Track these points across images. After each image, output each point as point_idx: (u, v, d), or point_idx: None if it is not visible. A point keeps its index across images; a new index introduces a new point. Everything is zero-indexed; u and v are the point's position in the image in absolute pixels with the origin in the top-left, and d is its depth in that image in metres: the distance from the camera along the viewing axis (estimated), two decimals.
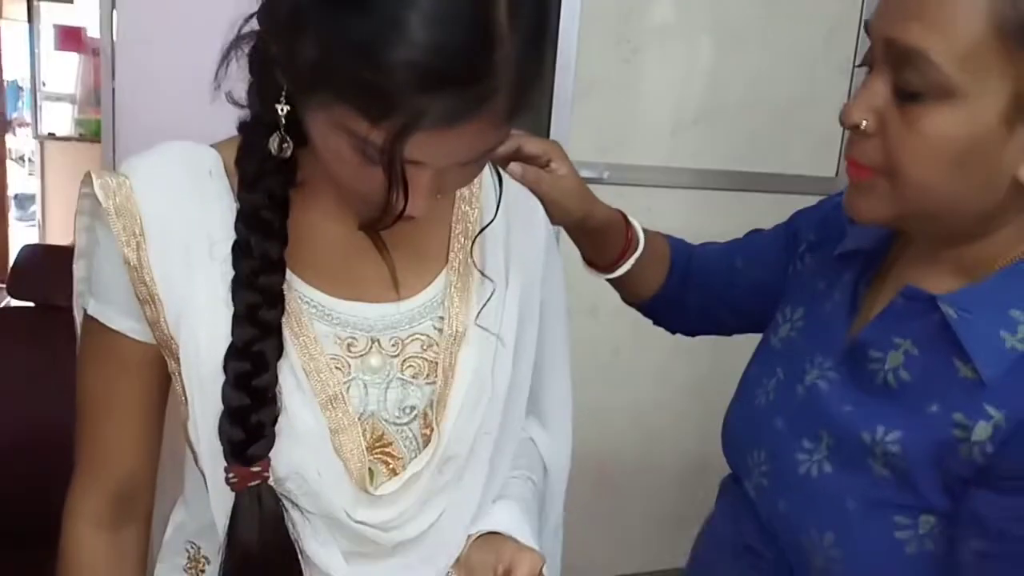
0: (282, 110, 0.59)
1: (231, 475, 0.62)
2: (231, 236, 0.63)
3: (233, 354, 0.61)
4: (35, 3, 4.62)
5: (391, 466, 0.68)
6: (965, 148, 0.57)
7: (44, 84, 4.86)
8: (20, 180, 5.44)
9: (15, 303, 1.55)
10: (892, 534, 0.63)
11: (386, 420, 0.68)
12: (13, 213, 5.11)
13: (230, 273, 0.62)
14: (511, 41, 0.51)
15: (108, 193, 0.62)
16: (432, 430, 0.68)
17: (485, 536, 0.72)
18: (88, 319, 0.67)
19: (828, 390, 0.71)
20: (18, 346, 1.43)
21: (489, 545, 0.71)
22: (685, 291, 1.00)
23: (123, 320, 0.65)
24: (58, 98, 4.97)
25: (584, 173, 1.94)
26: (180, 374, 0.64)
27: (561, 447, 0.86)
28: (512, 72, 0.51)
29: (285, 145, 0.61)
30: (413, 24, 0.48)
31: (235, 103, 0.64)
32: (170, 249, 0.63)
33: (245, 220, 0.62)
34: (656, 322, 1.04)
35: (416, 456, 0.68)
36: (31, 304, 1.49)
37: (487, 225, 0.72)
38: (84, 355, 0.68)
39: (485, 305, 0.71)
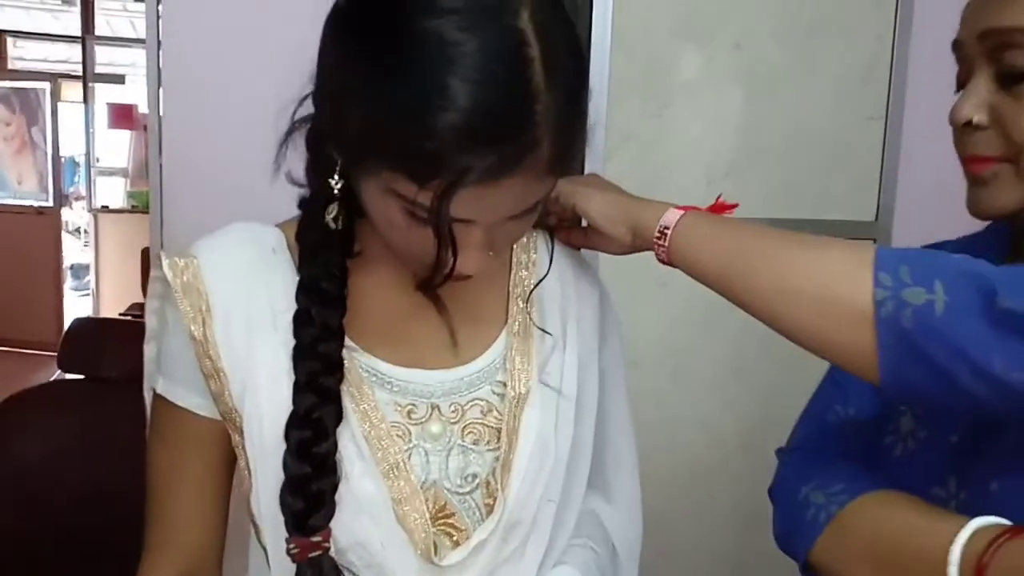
0: (336, 183, 0.61)
1: (292, 546, 0.61)
2: (293, 307, 0.65)
3: (294, 423, 0.62)
4: (90, 84, 4.86)
5: (455, 538, 0.66)
6: None
7: (98, 160, 5.08)
8: (76, 251, 5.66)
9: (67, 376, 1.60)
10: None
11: (448, 490, 0.67)
12: (69, 283, 5.31)
13: (292, 343, 0.64)
14: (549, 96, 0.53)
15: (176, 272, 0.65)
16: (495, 499, 0.67)
17: None
18: (157, 398, 0.69)
19: None
20: (68, 418, 1.46)
21: None
22: None
23: (190, 397, 0.67)
24: (111, 172, 5.20)
25: None
26: (243, 447, 0.65)
27: (629, 520, 0.82)
28: (552, 125, 0.53)
29: (340, 217, 0.63)
30: (453, 87, 0.50)
31: (294, 182, 0.67)
32: (234, 323, 0.65)
33: (305, 291, 0.64)
34: None
35: (479, 526, 0.67)
36: (80, 376, 1.54)
37: (543, 279, 0.73)
38: (153, 434, 0.70)
39: (548, 362, 0.71)
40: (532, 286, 0.74)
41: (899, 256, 0.56)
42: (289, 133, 0.63)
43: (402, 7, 0.53)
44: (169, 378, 0.68)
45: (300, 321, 0.64)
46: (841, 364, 0.59)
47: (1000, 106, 0.62)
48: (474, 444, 0.68)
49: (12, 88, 4.91)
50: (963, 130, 0.64)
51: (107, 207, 5.05)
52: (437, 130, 0.51)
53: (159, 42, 1.63)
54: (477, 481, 0.67)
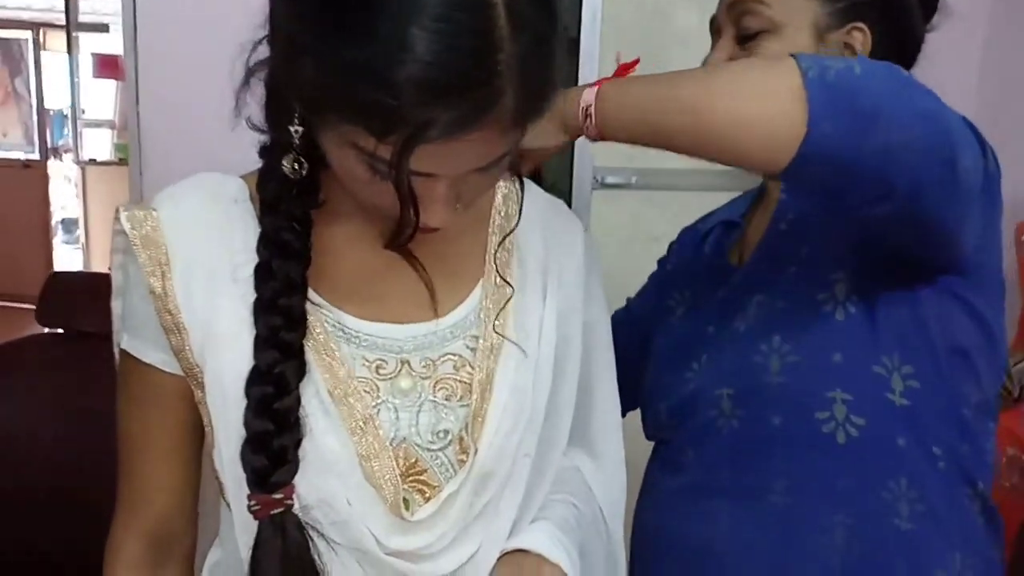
0: (295, 132, 0.58)
1: (253, 503, 0.60)
2: (254, 260, 0.63)
3: (255, 378, 0.61)
4: (74, 34, 4.74)
5: (427, 495, 0.65)
6: None
7: (84, 111, 4.99)
8: (69, 204, 5.59)
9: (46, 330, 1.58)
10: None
11: (419, 446, 0.65)
12: (60, 237, 5.26)
13: (253, 297, 0.62)
14: (513, 45, 0.50)
15: (135, 225, 0.63)
16: (468, 456, 0.65)
17: (511, 553, 0.68)
18: (123, 354, 0.67)
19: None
20: (47, 373, 1.45)
21: (514, 561, 0.67)
22: None
23: (154, 353, 0.65)
24: (98, 124, 5.11)
25: (611, 179, 1.94)
26: (205, 402, 0.64)
27: (612, 477, 0.80)
28: (516, 75, 0.51)
29: (299, 166, 0.61)
30: (410, 39, 0.48)
31: (255, 128, 0.64)
32: (194, 276, 0.63)
33: (266, 242, 0.62)
34: None
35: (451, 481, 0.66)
36: (59, 331, 1.51)
37: (510, 232, 0.71)
38: (121, 392, 0.68)
39: (524, 314, 0.69)
40: (512, 239, 0.71)
41: (811, 54, 0.67)
42: (247, 78, 0.60)
43: None
44: (133, 334, 0.66)
45: (261, 274, 0.62)
46: (766, 148, 0.64)
47: (736, 57, 0.81)
48: (446, 400, 0.66)
49: None
50: None
51: (94, 160, 4.99)
52: (395, 84, 0.48)
53: None
54: (449, 437, 0.66)
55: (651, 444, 0.99)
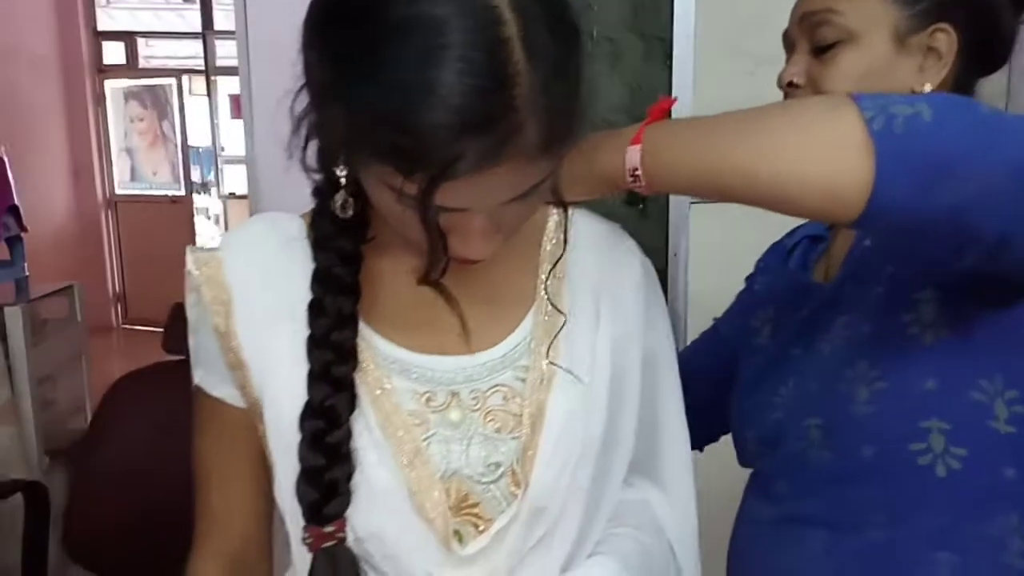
0: (341, 173, 0.60)
1: (306, 536, 0.62)
2: (309, 297, 0.64)
3: (308, 413, 0.62)
4: (212, 77, 5.13)
5: (480, 528, 0.65)
6: (868, 70, 0.77)
7: (223, 149, 5.38)
8: (213, 235, 6.03)
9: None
10: None
11: (471, 478, 0.65)
12: None
13: (307, 333, 0.64)
14: (531, 76, 0.50)
15: (200, 266, 0.67)
16: (520, 489, 0.65)
17: None
18: (196, 389, 0.70)
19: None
20: (169, 398, 1.55)
21: None
22: (688, 388, 0.96)
23: (222, 387, 0.68)
24: (237, 160, 5.49)
25: None
26: (266, 437, 0.66)
27: (684, 513, 0.77)
28: (537, 106, 0.50)
29: (347, 205, 0.62)
30: (428, 81, 0.48)
31: (309, 170, 0.65)
32: (255, 315, 0.66)
33: (319, 279, 0.64)
34: None
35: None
36: (182, 358, 1.62)
37: (559, 259, 0.70)
38: (196, 424, 0.72)
39: (576, 343, 0.68)
40: (563, 265, 0.70)
41: (874, 94, 0.61)
42: (296, 126, 0.61)
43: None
44: (204, 369, 0.69)
45: (314, 311, 0.64)
46: (832, 207, 0.59)
47: (812, 70, 0.79)
48: (496, 432, 0.65)
49: (144, 86, 5.25)
50: (787, 90, 0.81)
51: (234, 193, 5.36)
52: (416, 126, 0.48)
53: (247, 33, 1.68)
54: (501, 470, 0.65)
55: (745, 471, 0.95)
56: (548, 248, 0.72)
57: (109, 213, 4.01)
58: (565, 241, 0.69)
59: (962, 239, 0.59)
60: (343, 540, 0.62)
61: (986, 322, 0.72)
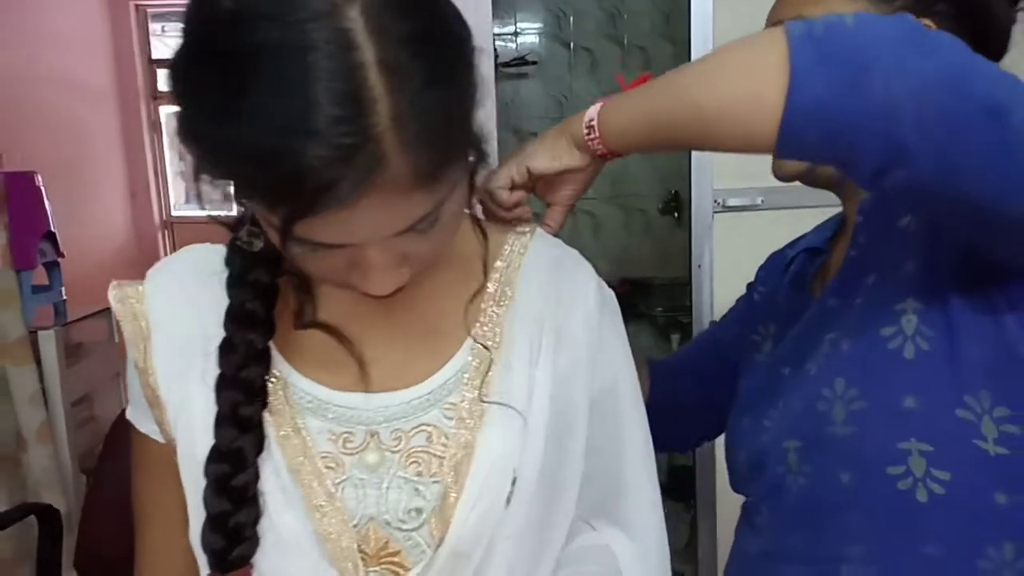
0: (244, 205, 0.57)
1: None
2: (222, 334, 0.63)
3: (214, 456, 0.60)
4: None
5: None
6: None
7: None
8: None
9: None
10: None
11: (390, 524, 0.62)
12: None
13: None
14: (391, 103, 0.46)
15: (122, 300, 0.66)
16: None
17: None
18: (128, 424, 0.69)
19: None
20: None
21: None
22: (675, 387, 0.99)
23: (147, 423, 0.67)
24: None
25: (733, 201, 1.80)
26: (181, 478, 0.64)
27: (651, 557, 0.72)
28: (400, 135, 0.46)
29: (253, 237, 0.59)
30: (281, 114, 0.45)
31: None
32: (171, 351, 0.64)
33: (230, 315, 0.62)
34: None
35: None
36: None
37: (478, 292, 0.66)
38: (132, 460, 0.71)
39: (511, 379, 0.64)
40: (501, 299, 0.67)
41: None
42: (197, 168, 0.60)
43: (211, 24, 0.48)
44: (133, 404, 0.68)
45: (224, 348, 0.61)
46: (758, 120, 0.58)
47: None
48: (417, 475, 0.62)
49: None
50: None
51: None
52: (268, 161, 0.46)
53: None
54: (424, 516, 0.61)
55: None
56: (495, 276, 0.68)
57: (165, 233, 4.13)
58: (485, 271, 0.66)
59: (891, 147, 0.54)
60: None
61: (971, 332, 0.65)
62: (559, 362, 0.65)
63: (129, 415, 0.69)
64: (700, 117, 0.61)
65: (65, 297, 2.17)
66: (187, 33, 0.50)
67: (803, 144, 0.58)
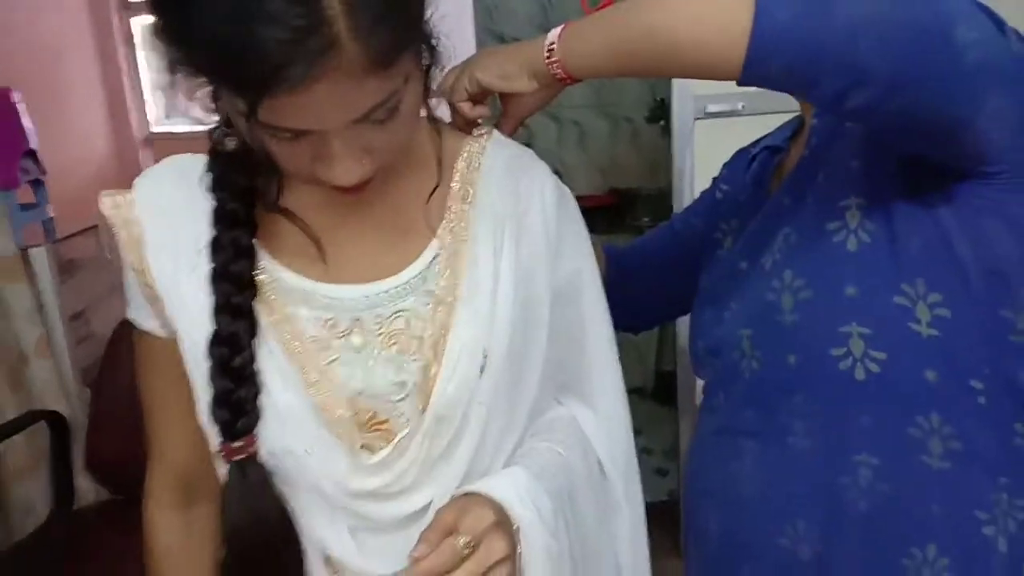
0: (218, 107, 0.63)
1: (220, 450, 0.67)
2: (211, 233, 0.68)
3: (215, 341, 0.66)
4: None
5: (390, 441, 0.69)
6: None
7: None
8: None
9: None
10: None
11: (377, 397, 0.69)
12: None
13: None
14: None
15: (115, 207, 0.70)
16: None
17: (463, 495, 0.69)
18: (130, 323, 0.75)
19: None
20: None
21: (457, 502, 0.67)
22: (629, 274, 1.03)
23: (148, 321, 0.72)
24: None
25: (713, 107, 1.81)
26: (185, 365, 0.70)
27: (615, 432, 0.80)
28: (350, 18, 0.50)
29: (227, 137, 0.65)
30: (240, 2, 0.49)
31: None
32: (164, 251, 0.69)
33: (216, 216, 0.67)
34: None
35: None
36: None
37: (435, 188, 0.71)
38: (135, 358, 0.77)
39: (479, 268, 0.70)
40: (464, 195, 0.72)
41: None
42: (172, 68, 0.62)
43: None
44: (132, 304, 0.73)
45: (214, 247, 0.67)
46: (723, 48, 0.61)
47: None
48: (399, 353, 0.68)
49: None
50: None
51: None
52: (231, 46, 0.50)
53: None
54: (407, 389, 0.68)
55: None
56: (458, 175, 0.73)
57: (147, 149, 4.08)
58: (439, 169, 0.71)
59: (854, 72, 0.59)
60: (254, 455, 0.66)
61: (909, 225, 0.71)
62: (521, 254, 0.71)
63: (130, 315, 0.74)
64: (665, 44, 0.64)
65: (52, 215, 2.17)
66: None
67: (767, 72, 0.62)
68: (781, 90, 0.65)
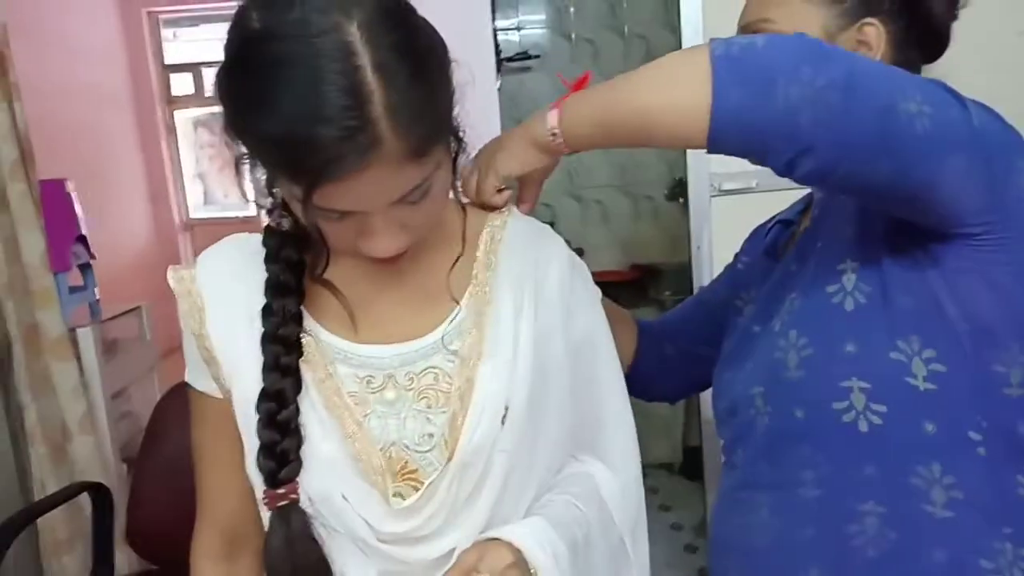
0: (275, 192, 0.72)
1: (264, 498, 0.73)
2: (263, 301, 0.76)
3: (263, 397, 0.73)
4: None
5: (418, 489, 0.74)
6: None
7: None
8: None
9: None
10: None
11: (408, 448, 0.75)
12: None
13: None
14: (383, 94, 0.59)
15: (178, 280, 0.79)
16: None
17: (484, 540, 0.74)
18: (187, 385, 0.82)
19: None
20: None
21: (479, 546, 0.73)
22: (661, 343, 1.11)
23: (203, 382, 0.80)
24: None
25: (728, 185, 1.88)
26: (236, 420, 0.77)
27: (628, 492, 0.86)
28: (393, 119, 0.60)
29: (283, 218, 0.74)
30: (300, 105, 0.59)
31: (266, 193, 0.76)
32: (221, 318, 0.77)
33: (269, 285, 0.76)
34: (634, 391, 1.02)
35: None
36: None
37: (458, 258, 0.79)
38: (191, 417, 0.83)
39: (500, 328, 0.77)
40: (485, 263, 0.80)
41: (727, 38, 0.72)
42: (236, 164, 0.71)
43: (244, 41, 0.62)
44: (190, 367, 0.80)
45: (266, 312, 0.75)
46: (690, 126, 0.70)
47: None
48: (428, 407, 0.75)
49: (211, 113, 5.48)
50: None
51: None
52: (292, 142, 0.59)
53: None
54: (435, 440, 0.74)
55: None
56: (482, 248, 0.81)
57: (186, 235, 4.25)
58: (464, 242, 0.79)
59: (797, 143, 0.67)
60: (296, 501, 0.72)
61: (901, 287, 0.77)
62: (539, 314, 0.79)
63: (187, 378, 0.81)
64: (643, 121, 0.73)
65: (98, 296, 2.28)
66: (227, 49, 0.64)
67: (728, 144, 0.71)
68: (744, 158, 0.74)
